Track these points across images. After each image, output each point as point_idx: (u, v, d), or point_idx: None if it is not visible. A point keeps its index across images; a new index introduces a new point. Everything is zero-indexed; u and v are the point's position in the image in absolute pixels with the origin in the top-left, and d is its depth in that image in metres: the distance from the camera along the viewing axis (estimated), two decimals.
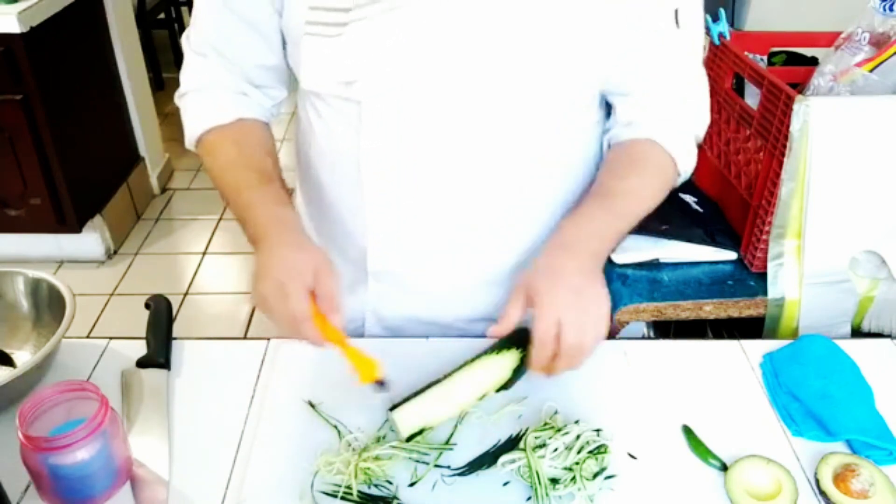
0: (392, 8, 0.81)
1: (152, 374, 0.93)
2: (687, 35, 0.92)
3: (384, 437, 0.83)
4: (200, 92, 0.96)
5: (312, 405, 0.89)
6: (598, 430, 0.83)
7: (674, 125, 0.96)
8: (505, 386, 0.87)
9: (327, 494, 0.77)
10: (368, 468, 0.79)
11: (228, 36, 0.93)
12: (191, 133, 0.97)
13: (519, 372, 0.87)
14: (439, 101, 0.86)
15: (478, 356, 0.87)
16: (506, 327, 0.82)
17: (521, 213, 0.96)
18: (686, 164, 0.98)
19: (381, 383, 0.81)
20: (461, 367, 0.86)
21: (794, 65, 1.38)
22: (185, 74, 0.98)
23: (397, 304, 1.02)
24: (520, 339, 0.85)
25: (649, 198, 0.94)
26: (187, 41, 0.97)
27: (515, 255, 0.98)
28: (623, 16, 0.86)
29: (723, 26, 1.30)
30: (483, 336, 0.85)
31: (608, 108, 1.00)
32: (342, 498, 0.77)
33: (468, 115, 0.87)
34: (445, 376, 0.85)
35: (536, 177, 0.95)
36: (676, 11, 0.89)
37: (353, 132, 0.90)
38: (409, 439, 0.82)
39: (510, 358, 0.86)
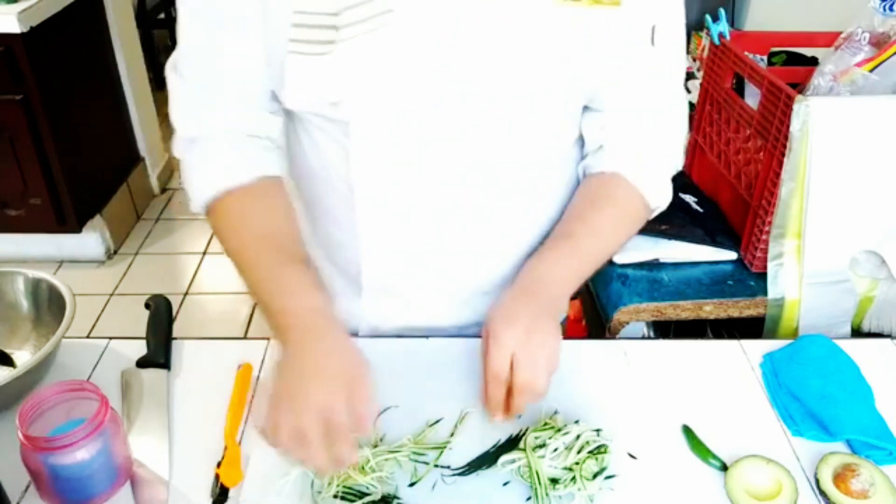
0: (380, 27, 0.78)
1: (152, 374, 0.93)
2: (664, 56, 0.90)
3: (383, 438, 0.83)
4: (205, 141, 0.87)
5: None
6: (598, 430, 0.83)
7: (644, 154, 0.94)
8: None
9: (327, 495, 0.77)
10: (368, 468, 0.78)
11: (221, 48, 0.83)
12: (199, 196, 0.87)
13: None
14: (428, 120, 0.84)
15: None
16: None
17: (512, 224, 0.95)
18: (657, 199, 0.95)
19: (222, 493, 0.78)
20: None
21: (794, 65, 1.38)
22: (179, 114, 0.86)
23: (392, 315, 1.02)
24: None
25: (614, 239, 0.94)
26: (174, 71, 0.85)
27: (510, 263, 0.97)
28: (602, 30, 0.83)
29: (723, 26, 1.31)
30: (478, 336, 0.85)
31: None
32: (342, 498, 0.77)
33: (457, 133, 0.85)
34: None
35: (526, 190, 0.93)
36: (654, 28, 0.86)
37: (342, 151, 0.88)
38: None
39: None
